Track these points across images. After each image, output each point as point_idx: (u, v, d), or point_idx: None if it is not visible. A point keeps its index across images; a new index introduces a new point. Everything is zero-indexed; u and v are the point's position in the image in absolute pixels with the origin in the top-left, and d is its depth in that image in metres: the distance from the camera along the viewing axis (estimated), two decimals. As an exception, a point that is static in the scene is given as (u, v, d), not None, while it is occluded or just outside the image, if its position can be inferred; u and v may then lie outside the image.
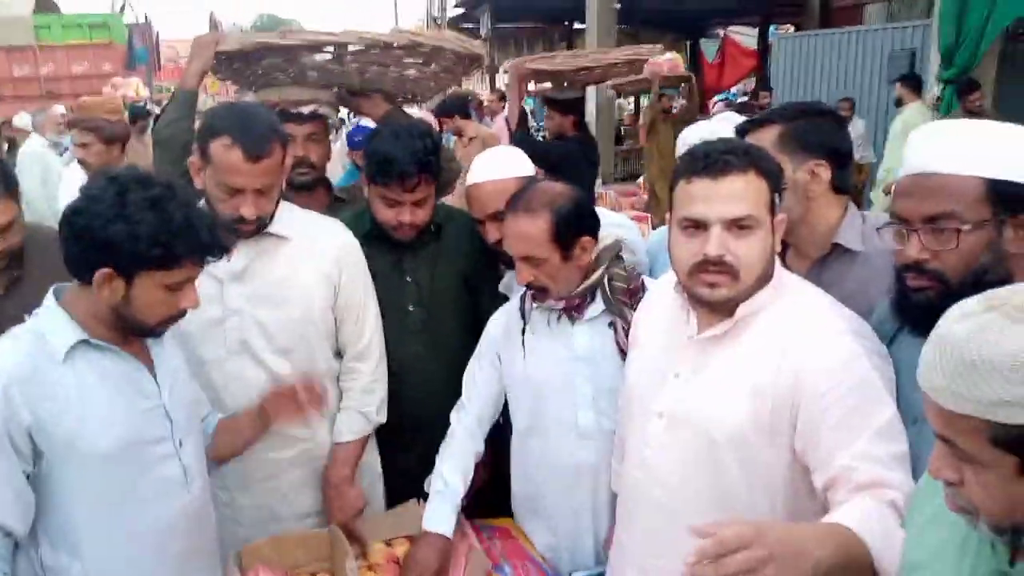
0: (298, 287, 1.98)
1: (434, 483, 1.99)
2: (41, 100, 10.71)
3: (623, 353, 1.80)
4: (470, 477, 2.02)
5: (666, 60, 7.26)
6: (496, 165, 2.16)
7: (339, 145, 3.56)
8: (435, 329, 2.24)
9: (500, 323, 2.06)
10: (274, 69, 2.32)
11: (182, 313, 1.57)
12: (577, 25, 14.29)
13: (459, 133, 6.84)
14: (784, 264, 1.79)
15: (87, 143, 3.61)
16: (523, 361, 1.96)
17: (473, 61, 2.44)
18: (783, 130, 1.72)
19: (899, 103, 7.21)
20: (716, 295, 1.44)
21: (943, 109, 6.73)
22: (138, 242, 1.42)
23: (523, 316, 1.97)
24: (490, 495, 2.19)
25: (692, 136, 2.24)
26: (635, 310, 1.81)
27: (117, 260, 1.44)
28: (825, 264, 1.71)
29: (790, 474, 1.44)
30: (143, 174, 1.51)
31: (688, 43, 16.62)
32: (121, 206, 1.42)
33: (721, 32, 16.45)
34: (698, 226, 1.42)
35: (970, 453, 0.88)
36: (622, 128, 13.25)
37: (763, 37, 14.20)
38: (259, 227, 1.94)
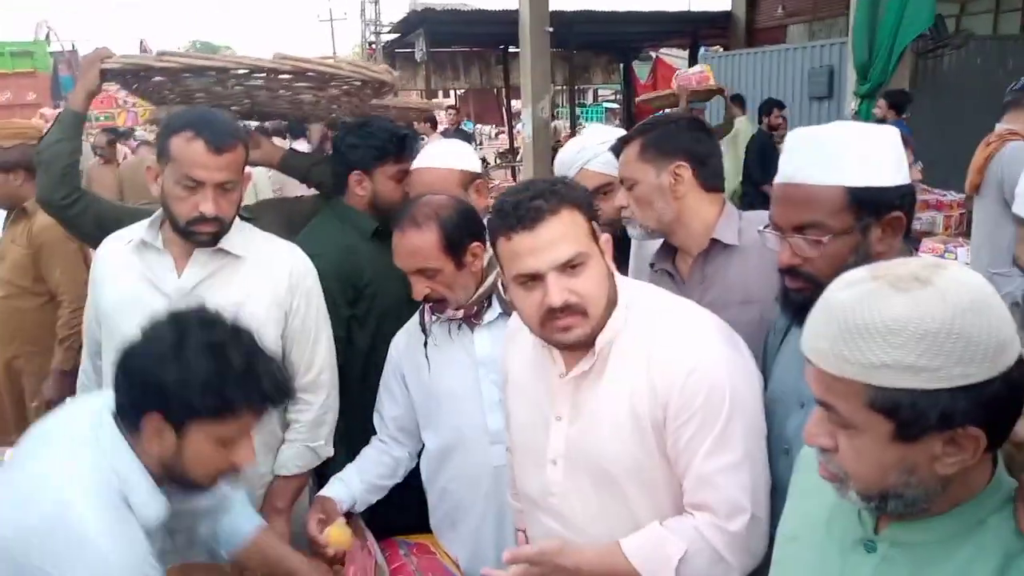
0: (248, 310, 1.92)
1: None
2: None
3: None
4: (379, 475, 2.05)
5: (695, 73, 6.91)
6: (439, 154, 2.27)
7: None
8: None
9: (400, 342, 2.07)
10: (162, 88, 2.30)
11: (235, 470, 1.42)
12: (512, 48, 14.45)
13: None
14: (673, 264, 1.88)
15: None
16: (428, 374, 1.96)
17: (380, 86, 2.46)
18: (642, 142, 1.85)
19: (731, 120, 7.71)
20: (572, 337, 1.43)
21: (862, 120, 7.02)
22: (189, 388, 1.30)
23: (424, 330, 1.97)
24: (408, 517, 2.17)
25: (566, 155, 2.32)
26: None
27: (168, 406, 1.32)
28: (707, 259, 1.81)
29: (672, 480, 1.47)
30: (210, 316, 1.40)
31: (621, 65, 16.96)
32: (178, 348, 1.32)
33: (653, 54, 16.84)
34: (534, 278, 1.40)
35: (847, 417, 0.91)
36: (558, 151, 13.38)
37: (693, 58, 14.57)
38: (216, 234, 1.91)
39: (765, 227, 1.45)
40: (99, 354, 2.07)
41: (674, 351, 1.42)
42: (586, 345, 1.45)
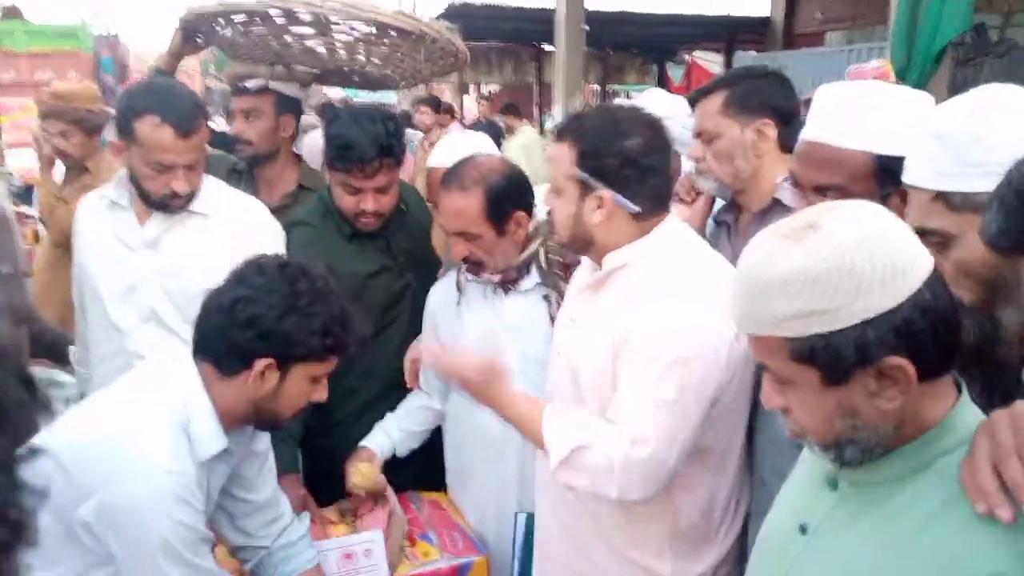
0: (203, 260, 1.99)
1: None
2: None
3: None
4: (413, 420, 2.08)
5: (872, 68, 5.87)
6: (458, 150, 2.14)
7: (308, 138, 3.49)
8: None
9: (437, 296, 2.07)
10: (225, 43, 2.34)
11: (308, 408, 1.53)
12: (546, 47, 14.47)
13: (428, 128, 6.84)
14: (736, 218, 1.87)
15: (65, 132, 3.44)
16: (458, 333, 1.97)
17: (455, 61, 2.41)
18: (727, 95, 1.79)
19: (510, 130, 7.51)
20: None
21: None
22: (311, 334, 1.41)
23: (459, 289, 1.98)
24: (428, 473, 2.19)
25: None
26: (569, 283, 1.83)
27: (282, 351, 1.41)
28: (764, 218, 1.77)
29: None
30: (305, 264, 1.49)
31: (655, 66, 16.89)
32: (294, 297, 1.41)
33: (687, 56, 16.75)
34: None
35: (781, 374, 0.93)
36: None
37: (728, 61, 14.47)
38: (187, 203, 1.97)
39: (784, 179, 1.45)
40: (84, 310, 2.13)
41: (654, 294, 1.47)
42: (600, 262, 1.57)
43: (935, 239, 1.06)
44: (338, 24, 2.20)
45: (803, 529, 1.02)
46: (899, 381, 0.87)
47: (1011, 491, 0.81)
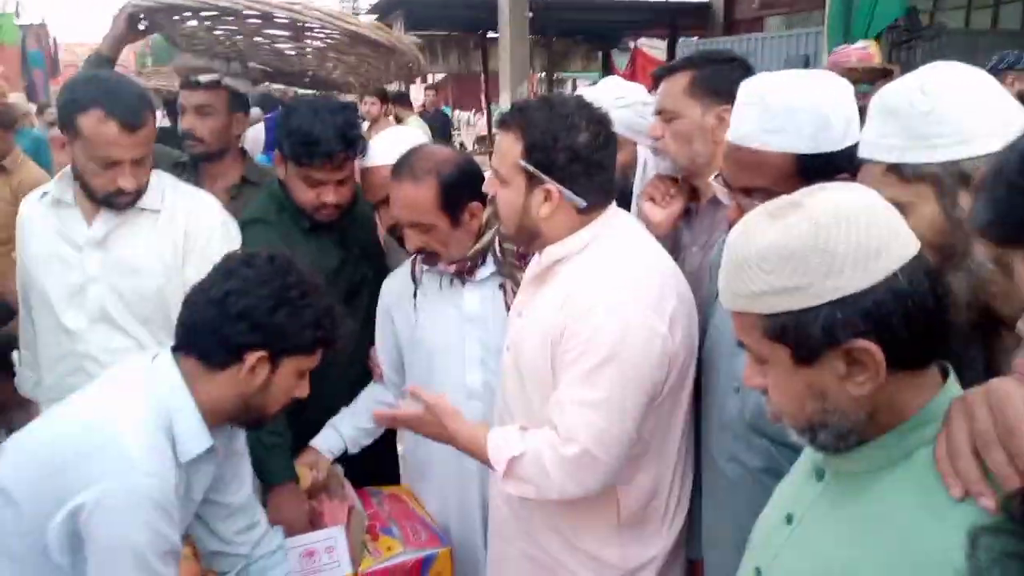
0: (156, 258, 1.94)
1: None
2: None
3: None
4: (369, 419, 2.03)
5: (856, 49, 5.87)
6: (390, 148, 2.04)
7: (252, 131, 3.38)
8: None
9: (392, 287, 2.05)
10: (180, 33, 2.26)
11: (291, 403, 1.52)
12: (491, 34, 14.40)
13: (375, 119, 6.80)
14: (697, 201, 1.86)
15: None
16: (415, 324, 1.96)
17: (406, 62, 2.38)
18: (693, 76, 1.78)
19: (399, 121, 7.38)
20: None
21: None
22: (304, 327, 1.42)
23: (414, 280, 1.97)
24: (382, 468, 2.19)
25: None
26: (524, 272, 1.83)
27: (275, 343, 1.40)
28: (720, 205, 1.74)
29: None
30: (291, 258, 1.49)
31: (600, 53, 16.99)
32: (285, 289, 1.41)
33: (632, 43, 16.88)
34: None
35: (757, 352, 0.94)
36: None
37: (671, 48, 14.62)
38: (134, 200, 1.90)
39: (716, 176, 1.47)
40: (30, 311, 2.06)
41: (586, 288, 1.48)
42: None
43: None
44: (312, 31, 2.17)
45: (789, 519, 1.02)
46: (868, 366, 0.86)
47: (996, 479, 0.80)
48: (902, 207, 1.01)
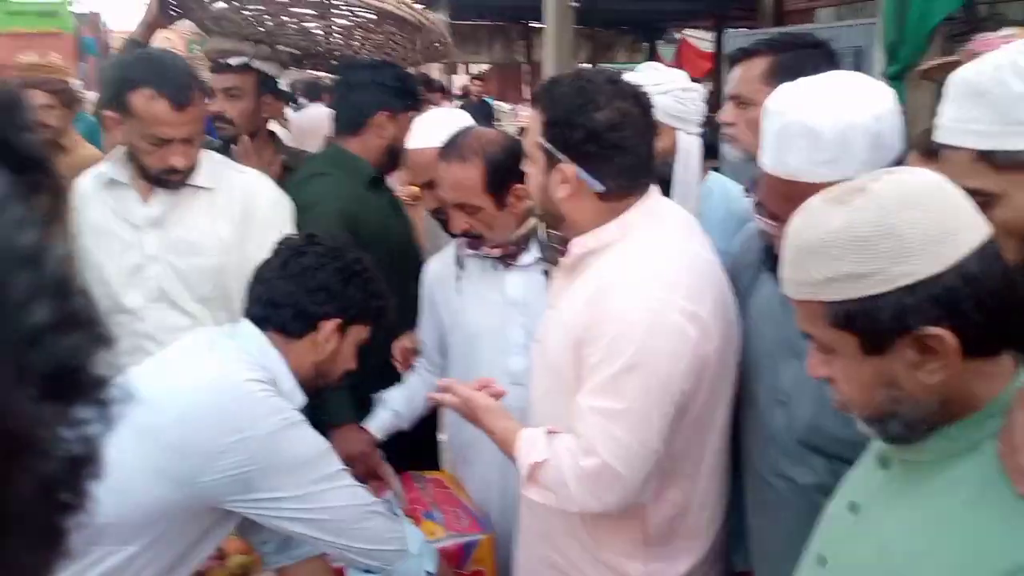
0: (214, 236, 1.98)
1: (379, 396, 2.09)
2: (-17, 87, 10.38)
3: None
4: (420, 396, 2.06)
5: (1001, 37, 5.57)
6: (436, 130, 2.08)
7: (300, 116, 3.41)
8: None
9: (434, 270, 2.06)
10: (219, 19, 2.30)
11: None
12: (535, 24, 14.33)
13: None
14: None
15: (49, 105, 3.35)
16: (457, 308, 1.96)
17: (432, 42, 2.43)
18: (772, 61, 1.72)
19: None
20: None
21: (888, 105, 6.92)
22: (370, 297, 1.60)
23: (459, 263, 1.97)
24: (426, 452, 2.20)
25: None
26: None
27: (347, 312, 1.57)
28: None
29: None
30: (342, 239, 1.70)
31: (646, 44, 16.80)
32: (353, 264, 1.59)
33: (678, 35, 16.67)
34: None
35: (823, 341, 0.91)
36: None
37: (718, 40, 14.40)
38: (185, 178, 1.94)
39: (757, 206, 1.39)
40: None
41: (610, 290, 1.43)
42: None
43: (977, 199, 1.02)
44: (339, 8, 2.19)
45: (853, 507, 1.01)
46: (940, 353, 0.84)
47: None
48: (994, 197, 0.98)
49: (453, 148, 1.85)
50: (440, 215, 2.03)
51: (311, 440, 1.50)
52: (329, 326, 1.55)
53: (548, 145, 1.45)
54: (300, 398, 1.55)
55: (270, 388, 1.48)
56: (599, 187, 1.45)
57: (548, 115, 1.45)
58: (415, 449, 2.21)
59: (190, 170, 1.95)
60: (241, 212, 2.02)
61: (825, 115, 1.28)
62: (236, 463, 1.39)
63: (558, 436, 1.48)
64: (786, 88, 1.40)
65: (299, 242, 1.63)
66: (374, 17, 2.21)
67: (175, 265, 1.97)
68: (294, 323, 1.55)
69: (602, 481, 1.41)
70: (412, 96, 2.34)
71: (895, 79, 7.00)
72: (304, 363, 1.57)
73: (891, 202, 0.84)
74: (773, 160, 1.34)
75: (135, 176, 1.99)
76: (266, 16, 2.23)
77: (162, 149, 1.88)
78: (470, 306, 1.96)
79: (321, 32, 2.31)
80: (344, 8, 2.18)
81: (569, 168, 1.44)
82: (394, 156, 2.27)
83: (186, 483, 1.38)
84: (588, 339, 1.42)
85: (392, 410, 2.07)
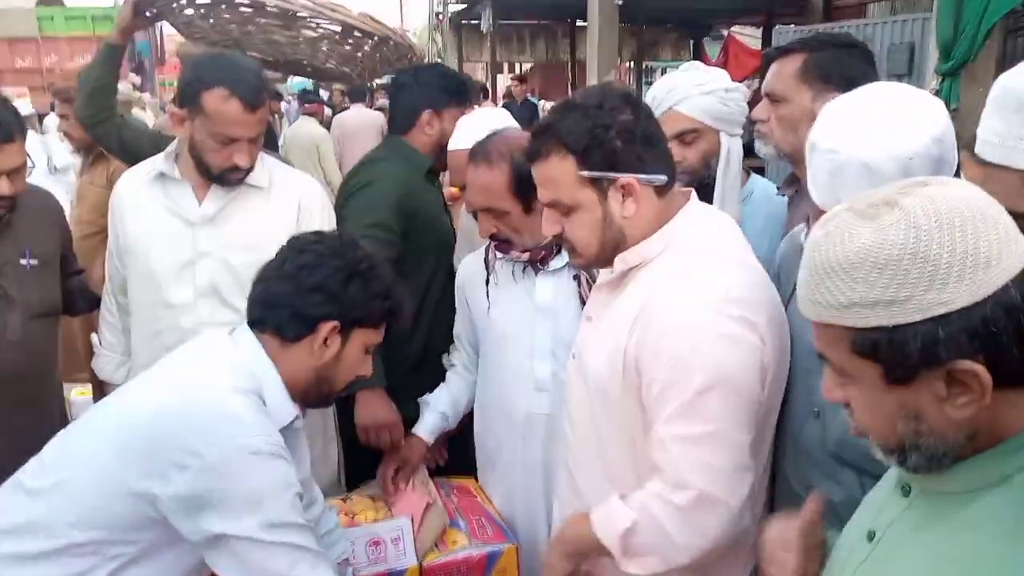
0: (269, 233, 1.96)
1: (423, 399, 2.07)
2: (44, 91, 10.73)
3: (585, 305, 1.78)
4: (464, 397, 2.06)
5: None
6: (475, 131, 2.05)
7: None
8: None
9: (467, 270, 2.05)
10: (193, 23, 2.36)
11: (359, 381, 1.58)
12: (580, 22, 14.28)
13: None
14: (797, 191, 1.75)
15: (68, 115, 3.46)
16: (488, 311, 1.94)
17: (402, 51, 2.49)
18: (806, 59, 1.68)
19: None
20: (575, 263, 1.58)
21: (942, 102, 6.70)
22: (373, 298, 1.48)
23: (487, 267, 1.95)
24: (460, 455, 2.18)
25: (657, 90, 2.10)
26: None
27: (347, 314, 1.46)
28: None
29: (645, 427, 1.40)
30: (353, 236, 1.59)
31: (691, 42, 16.60)
32: (355, 263, 1.47)
33: (725, 31, 16.43)
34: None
35: (841, 367, 0.84)
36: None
37: (767, 37, 14.15)
38: (247, 175, 1.98)
39: (802, 231, 1.33)
40: (123, 290, 2.11)
41: (662, 305, 1.36)
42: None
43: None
44: (304, 20, 2.23)
45: (870, 536, 0.94)
46: (972, 388, 0.77)
47: None
48: None
49: (480, 152, 1.82)
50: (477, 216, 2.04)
51: (273, 476, 1.35)
52: (326, 328, 1.44)
53: (593, 174, 1.37)
54: (287, 413, 1.45)
55: (251, 403, 1.38)
56: (661, 178, 1.40)
57: (576, 148, 1.37)
58: (453, 452, 2.20)
59: (250, 169, 1.97)
60: (296, 211, 2.05)
61: (883, 148, 1.22)
62: (190, 480, 1.29)
63: (634, 494, 1.38)
64: (830, 118, 1.33)
65: (302, 241, 1.53)
66: (338, 30, 2.25)
67: (228, 261, 1.98)
68: (290, 325, 1.45)
69: (702, 513, 1.32)
70: (457, 92, 2.35)
71: (950, 76, 6.80)
72: (302, 369, 1.47)
73: (925, 221, 0.76)
74: (827, 198, 1.27)
75: (190, 173, 2.00)
76: (232, 24, 2.26)
77: (228, 148, 1.90)
78: (499, 309, 1.92)
79: (285, 41, 2.34)
80: (310, 21, 2.22)
81: (627, 179, 1.37)
82: (443, 152, 2.30)
83: (148, 496, 1.31)
84: (644, 360, 1.35)
85: (439, 412, 2.06)
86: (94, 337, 2.32)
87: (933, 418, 0.80)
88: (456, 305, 2.10)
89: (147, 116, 6.80)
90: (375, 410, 1.99)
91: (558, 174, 1.40)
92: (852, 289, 0.78)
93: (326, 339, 1.45)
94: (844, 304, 0.79)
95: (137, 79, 11.31)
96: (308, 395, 1.52)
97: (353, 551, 1.74)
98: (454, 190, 2.45)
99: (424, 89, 2.32)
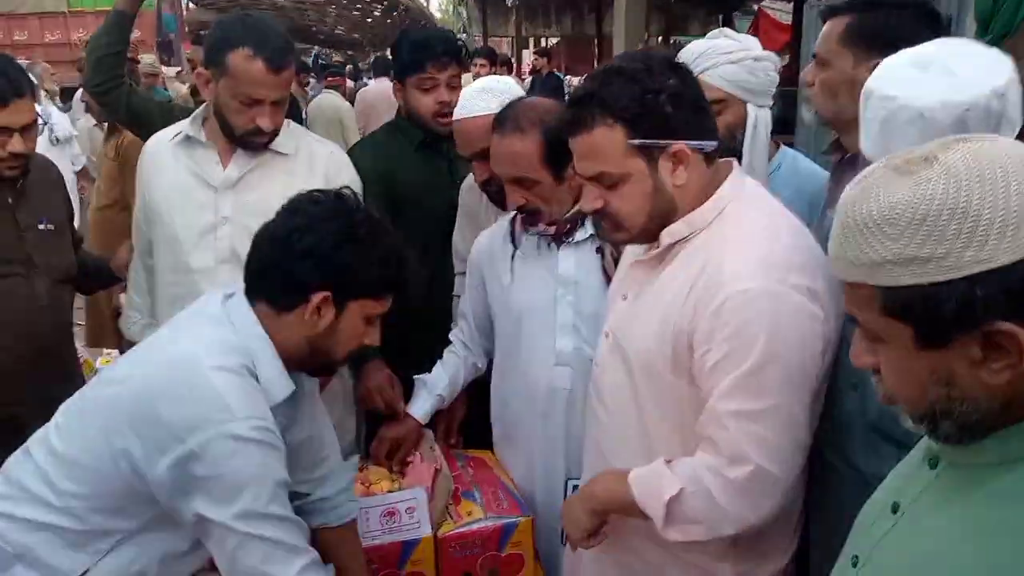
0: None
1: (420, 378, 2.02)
2: (72, 66, 10.82)
3: (609, 279, 1.74)
4: (460, 377, 2.03)
5: None
6: (485, 98, 1.99)
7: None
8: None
9: (483, 246, 2.00)
10: None
11: (363, 351, 1.50)
12: (607, -3, 14.06)
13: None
14: (841, 159, 1.69)
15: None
16: (509, 286, 1.90)
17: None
18: (850, 23, 1.61)
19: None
20: (615, 239, 1.50)
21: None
22: (369, 265, 1.37)
23: (513, 241, 1.91)
24: (475, 431, 2.16)
25: (686, 55, 1.98)
26: None
27: (340, 284, 1.37)
28: (858, 162, 1.58)
29: (693, 405, 1.37)
30: (356, 196, 1.47)
31: (721, 16, 16.31)
32: (352, 227, 1.37)
33: (755, 6, 16.11)
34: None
35: (872, 329, 0.81)
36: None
37: (798, 10, 13.86)
38: (269, 141, 1.96)
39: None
40: (149, 253, 2.10)
41: (721, 274, 1.31)
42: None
43: None
44: None
45: (895, 508, 0.91)
46: (1009, 352, 0.73)
47: None
48: None
49: (509, 119, 1.76)
50: (490, 186, 1.98)
51: (252, 464, 1.30)
52: (317, 298, 1.35)
53: (644, 142, 1.32)
54: (282, 388, 1.39)
55: (239, 382, 1.32)
56: (712, 144, 1.36)
57: (624, 116, 1.32)
58: (468, 428, 2.17)
59: (275, 134, 1.95)
60: (323, 182, 1.98)
61: (938, 96, 1.16)
62: (171, 463, 1.27)
63: (682, 461, 1.36)
64: (890, 66, 1.27)
65: (298, 202, 1.43)
66: None
67: (250, 227, 1.93)
68: (282, 294, 1.37)
69: (758, 488, 1.30)
70: (409, 62, 2.29)
71: (988, 50, 6.61)
72: (294, 338, 1.39)
73: (965, 176, 0.73)
74: (877, 149, 1.22)
75: (215, 136, 1.99)
76: None
77: (252, 109, 1.88)
78: (522, 284, 1.87)
79: (292, 6, 2.34)
80: None
81: (678, 145, 1.33)
82: (421, 123, 2.30)
83: (139, 471, 1.30)
84: (700, 333, 1.31)
85: (437, 395, 2.01)
86: (122, 298, 2.33)
87: (967, 384, 0.76)
88: (467, 282, 2.06)
89: (184, 89, 6.86)
90: (370, 376, 1.99)
91: (605, 144, 1.34)
92: (885, 246, 0.75)
93: (319, 308, 1.36)
94: (876, 261, 0.76)
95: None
96: (305, 365, 1.46)
97: (368, 521, 1.73)
98: None
99: (393, 64, 2.39)
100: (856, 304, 0.81)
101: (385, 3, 2.76)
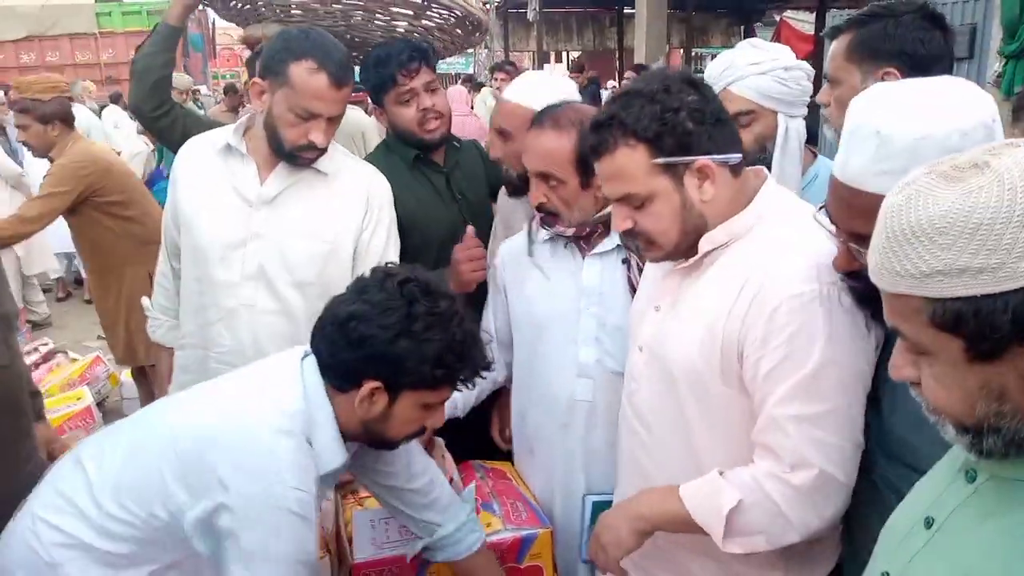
0: (329, 221, 1.94)
1: None
2: (101, 85, 11.04)
3: (634, 291, 1.73)
4: (476, 391, 1.94)
5: None
6: (540, 91, 1.98)
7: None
8: (483, 240, 2.22)
9: (507, 253, 2.00)
10: (258, 3, 2.29)
11: (423, 431, 1.50)
12: (628, 10, 14.09)
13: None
14: None
15: (25, 125, 3.50)
16: (531, 295, 1.90)
17: (476, 26, 2.44)
18: (851, 38, 1.60)
19: None
20: (652, 257, 1.47)
21: (1004, 87, 6.41)
22: (422, 362, 1.35)
23: (530, 238, 1.91)
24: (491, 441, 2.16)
25: (713, 69, 2.01)
26: None
27: (391, 376, 1.36)
28: None
29: (744, 414, 1.36)
30: (430, 282, 1.42)
31: (742, 28, 16.29)
32: (409, 320, 1.34)
33: (777, 17, 16.07)
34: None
35: (917, 341, 0.79)
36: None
37: (820, 21, 13.78)
38: (318, 156, 1.93)
39: (820, 208, 1.26)
40: (177, 256, 2.08)
41: (772, 279, 1.30)
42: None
43: None
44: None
45: (928, 522, 0.89)
46: None
47: None
48: None
49: (549, 115, 1.77)
50: (495, 167, 2.03)
51: (284, 540, 1.30)
52: (368, 387, 1.35)
53: (668, 160, 1.33)
54: (334, 458, 1.39)
55: (296, 446, 1.33)
56: (736, 156, 1.35)
57: (645, 136, 1.32)
58: (487, 439, 2.17)
59: (323, 152, 1.91)
60: (364, 206, 2.00)
61: (900, 120, 1.13)
62: (209, 507, 1.29)
63: (737, 471, 1.35)
64: (875, 88, 1.25)
65: (369, 279, 1.42)
66: (418, 1, 2.23)
67: (281, 245, 1.93)
68: (335, 375, 1.39)
69: (822, 493, 1.29)
70: (379, 83, 2.21)
71: (1014, 58, 6.52)
72: (351, 419, 1.40)
73: (1021, 182, 0.70)
74: (839, 162, 1.21)
75: (256, 150, 1.95)
76: (292, 4, 2.25)
77: (306, 124, 1.84)
78: (545, 292, 1.85)
79: (319, 7, 2.28)
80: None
81: (702, 161, 1.33)
82: (409, 137, 2.23)
83: (177, 512, 1.32)
84: (751, 339, 1.31)
85: (450, 403, 2.01)
86: (145, 300, 2.28)
87: (1018, 398, 0.75)
88: (489, 294, 2.05)
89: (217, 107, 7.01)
90: None
91: (628, 165, 1.34)
92: (936, 256, 0.73)
93: (372, 395, 1.36)
94: (925, 272, 0.74)
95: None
96: (361, 440, 1.47)
97: (387, 530, 1.74)
98: None
99: (370, 85, 2.27)
100: (900, 316, 0.79)
101: (414, 6, 2.73)
